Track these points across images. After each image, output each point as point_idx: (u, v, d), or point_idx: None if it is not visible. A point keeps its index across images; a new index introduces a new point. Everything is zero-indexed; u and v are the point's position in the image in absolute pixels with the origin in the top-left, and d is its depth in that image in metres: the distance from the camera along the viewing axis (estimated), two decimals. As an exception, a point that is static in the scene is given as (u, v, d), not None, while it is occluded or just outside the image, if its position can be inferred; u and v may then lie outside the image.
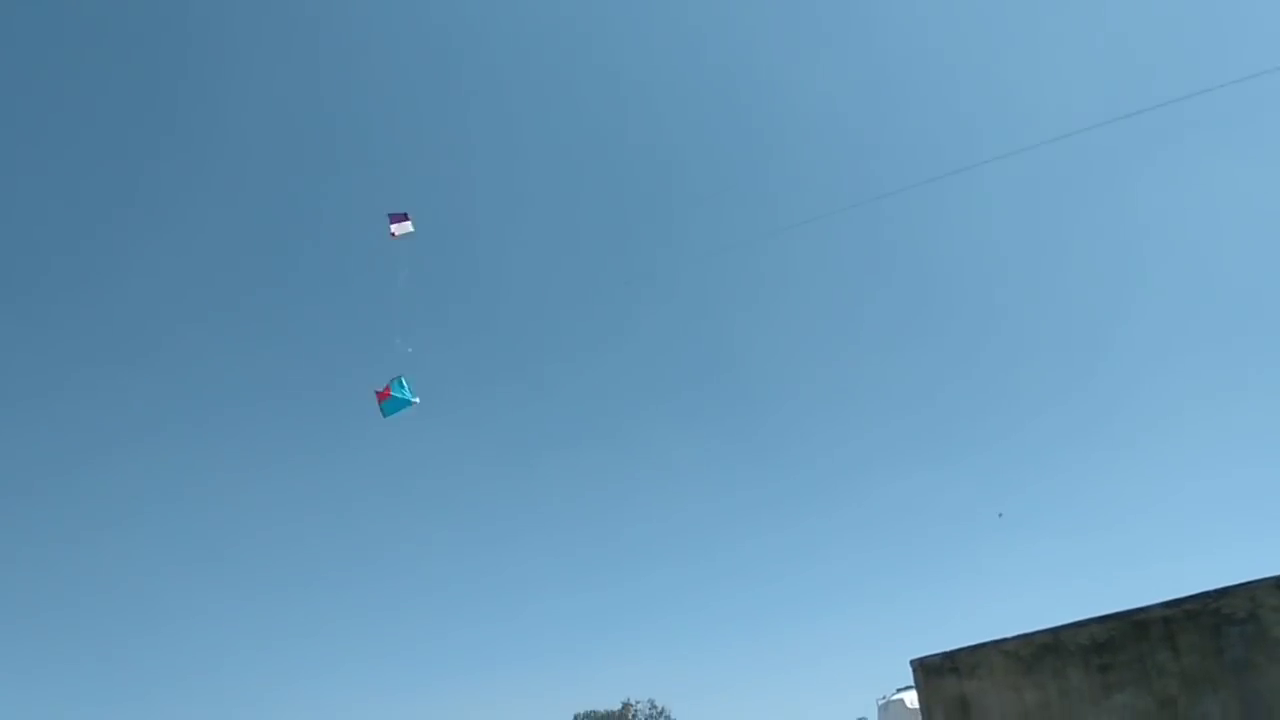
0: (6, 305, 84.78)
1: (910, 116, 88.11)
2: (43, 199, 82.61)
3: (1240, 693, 11.21)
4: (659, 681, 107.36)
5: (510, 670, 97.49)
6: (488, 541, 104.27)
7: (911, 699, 17.86)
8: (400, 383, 20.18)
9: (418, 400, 20.23)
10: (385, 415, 20.05)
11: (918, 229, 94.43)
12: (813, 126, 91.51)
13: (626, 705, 77.42)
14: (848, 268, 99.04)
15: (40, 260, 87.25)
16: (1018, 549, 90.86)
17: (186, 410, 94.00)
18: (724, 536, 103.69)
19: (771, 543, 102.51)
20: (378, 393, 20.12)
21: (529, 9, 80.00)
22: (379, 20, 79.52)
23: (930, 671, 13.96)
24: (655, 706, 77.93)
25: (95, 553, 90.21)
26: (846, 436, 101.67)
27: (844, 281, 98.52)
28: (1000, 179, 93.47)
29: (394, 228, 20.56)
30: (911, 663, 14.20)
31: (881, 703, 21.72)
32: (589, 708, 76.05)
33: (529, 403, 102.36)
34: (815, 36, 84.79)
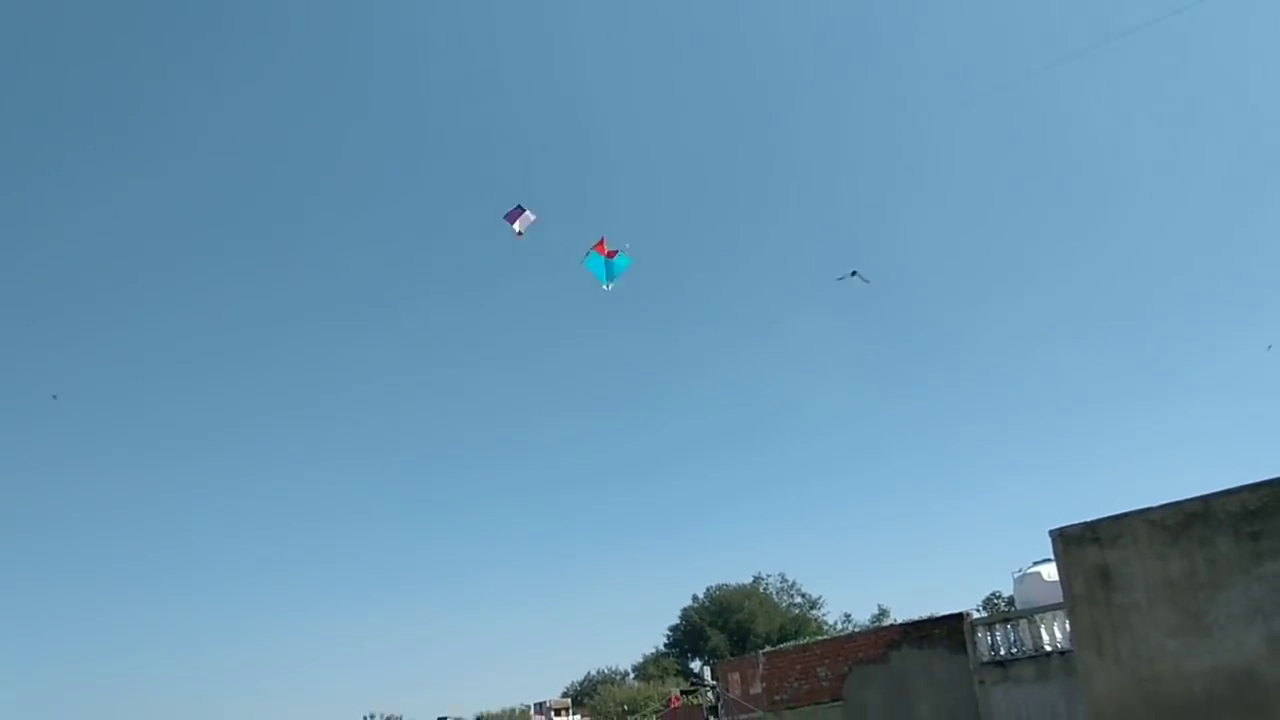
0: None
1: None
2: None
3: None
4: (790, 556, 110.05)
5: (647, 544, 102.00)
6: (625, 419, 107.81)
7: (1049, 571, 17.90)
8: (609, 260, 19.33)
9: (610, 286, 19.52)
10: (590, 267, 19.22)
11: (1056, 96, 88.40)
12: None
13: (757, 579, 79.86)
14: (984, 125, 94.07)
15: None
16: (1167, 423, 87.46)
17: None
18: (855, 411, 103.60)
19: (902, 417, 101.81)
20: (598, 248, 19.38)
21: None
22: None
23: (1070, 541, 14.01)
24: (786, 579, 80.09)
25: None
26: (987, 308, 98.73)
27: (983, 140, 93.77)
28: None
29: (516, 225, 19.77)
30: (1051, 533, 14.22)
31: (1017, 575, 21.70)
32: (721, 581, 78.82)
33: (658, 289, 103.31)
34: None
